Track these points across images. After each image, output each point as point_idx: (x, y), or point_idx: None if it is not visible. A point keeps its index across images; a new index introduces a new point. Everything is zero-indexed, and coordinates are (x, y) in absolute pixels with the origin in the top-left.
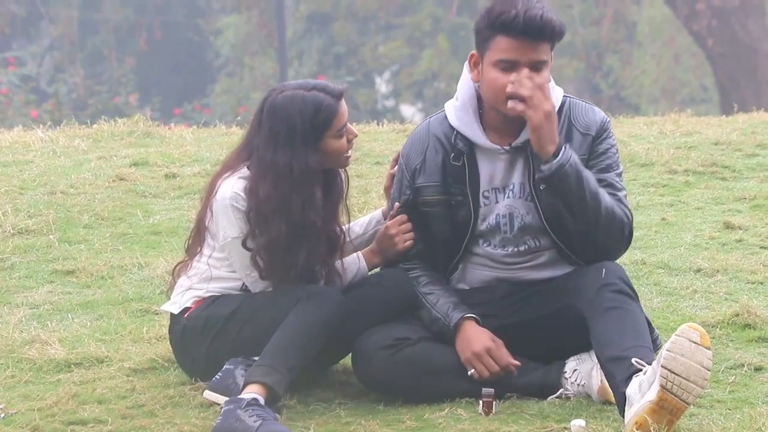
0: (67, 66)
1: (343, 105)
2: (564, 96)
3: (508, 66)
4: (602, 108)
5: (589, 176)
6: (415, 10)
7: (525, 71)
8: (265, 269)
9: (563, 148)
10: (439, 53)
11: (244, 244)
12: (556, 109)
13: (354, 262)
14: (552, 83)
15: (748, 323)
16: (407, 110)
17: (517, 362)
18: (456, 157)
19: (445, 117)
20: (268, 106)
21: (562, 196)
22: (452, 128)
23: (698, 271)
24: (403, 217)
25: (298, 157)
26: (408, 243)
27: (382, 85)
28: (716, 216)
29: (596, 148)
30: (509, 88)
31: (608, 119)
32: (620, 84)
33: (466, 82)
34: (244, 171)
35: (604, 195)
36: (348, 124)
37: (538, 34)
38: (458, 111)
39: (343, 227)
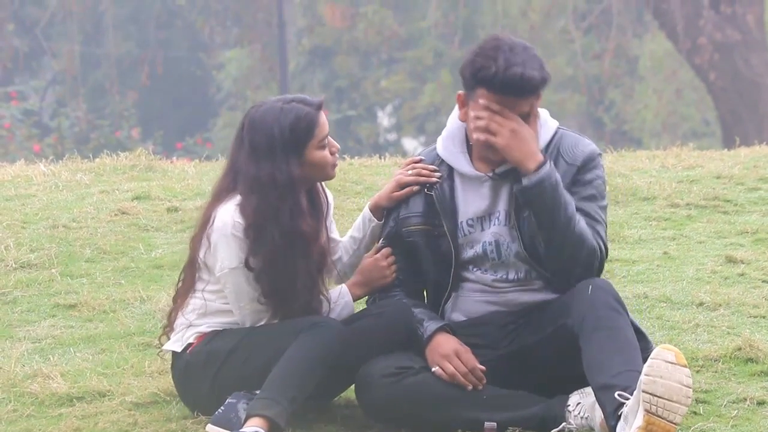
0: (70, 100)
1: (323, 116)
2: (558, 128)
3: None
4: (604, 142)
5: (569, 202)
6: (417, 44)
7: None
8: (269, 285)
9: (546, 164)
10: (441, 87)
11: (246, 264)
12: (547, 140)
13: (340, 296)
14: (546, 116)
15: (750, 357)
16: (409, 144)
17: (483, 367)
18: (430, 188)
19: (435, 148)
20: (248, 122)
21: (536, 212)
22: (436, 158)
23: (700, 305)
24: (387, 249)
25: (280, 168)
26: (394, 275)
27: (384, 118)
28: (718, 250)
29: (581, 177)
30: (472, 125)
31: (598, 152)
32: (622, 118)
33: (455, 114)
34: (237, 198)
35: (581, 223)
36: (329, 137)
37: (518, 92)
38: (445, 140)
39: (331, 244)
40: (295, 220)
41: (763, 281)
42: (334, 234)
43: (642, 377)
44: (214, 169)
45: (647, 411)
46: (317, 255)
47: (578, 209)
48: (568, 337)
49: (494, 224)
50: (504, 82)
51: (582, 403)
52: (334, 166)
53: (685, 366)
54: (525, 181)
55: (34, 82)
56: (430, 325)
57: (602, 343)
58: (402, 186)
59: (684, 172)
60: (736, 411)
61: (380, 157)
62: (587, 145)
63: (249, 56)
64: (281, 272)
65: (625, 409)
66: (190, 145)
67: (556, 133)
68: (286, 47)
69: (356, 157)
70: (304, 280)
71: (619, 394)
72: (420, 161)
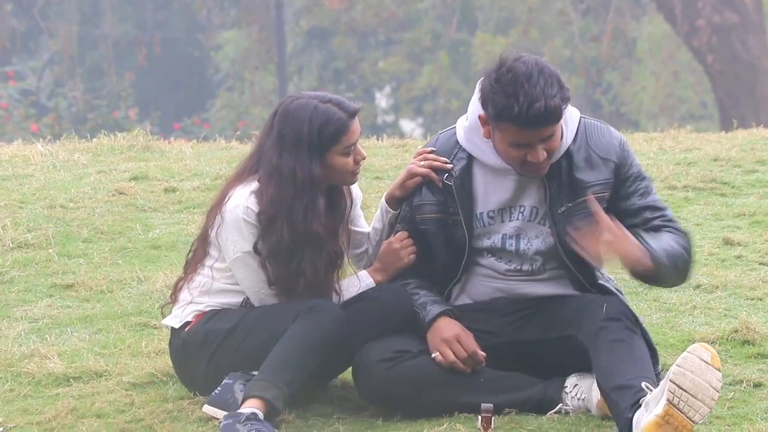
0: (67, 80)
1: (356, 124)
2: (580, 117)
3: (520, 146)
4: None
5: (666, 246)
6: (414, 25)
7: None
8: (273, 275)
9: (651, 251)
10: (438, 69)
11: (255, 248)
12: (574, 131)
13: (360, 280)
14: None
15: (747, 339)
16: (407, 125)
17: (483, 353)
18: (449, 177)
19: (455, 134)
20: (281, 111)
21: (660, 282)
22: (456, 146)
23: (697, 287)
24: (403, 233)
25: (302, 164)
26: (412, 257)
27: (381, 100)
28: (716, 232)
29: (625, 173)
30: (500, 146)
31: (624, 139)
32: (620, 100)
33: (476, 103)
34: (255, 184)
35: (674, 248)
36: (358, 145)
37: (543, 123)
38: (467, 132)
39: (358, 237)
40: (308, 219)
41: (760, 263)
42: (362, 227)
43: (673, 367)
44: (212, 150)
45: (669, 401)
46: (331, 254)
47: (644, 208)
48: (572, 348)
49: (517, 218)
50: (528, 119)
51: (579, 385)
52: (355, 174)
53: (719, 369)
54: (648, 272)
55: (31, 62)
56: (433, 309)
57: (618, 353)
58: (414, 176)
59: (681, 154)
60: (733, 393)
61: (378, 139)
62: (613, 134)
63: (246, 37)
64: (284, 267)
65: (647, 397)
66: (187, 125)
67: (579, 123)
68: (284, 28)
69: None
70: (311, 278)
71: (645, 385)
72: (431, 152)
